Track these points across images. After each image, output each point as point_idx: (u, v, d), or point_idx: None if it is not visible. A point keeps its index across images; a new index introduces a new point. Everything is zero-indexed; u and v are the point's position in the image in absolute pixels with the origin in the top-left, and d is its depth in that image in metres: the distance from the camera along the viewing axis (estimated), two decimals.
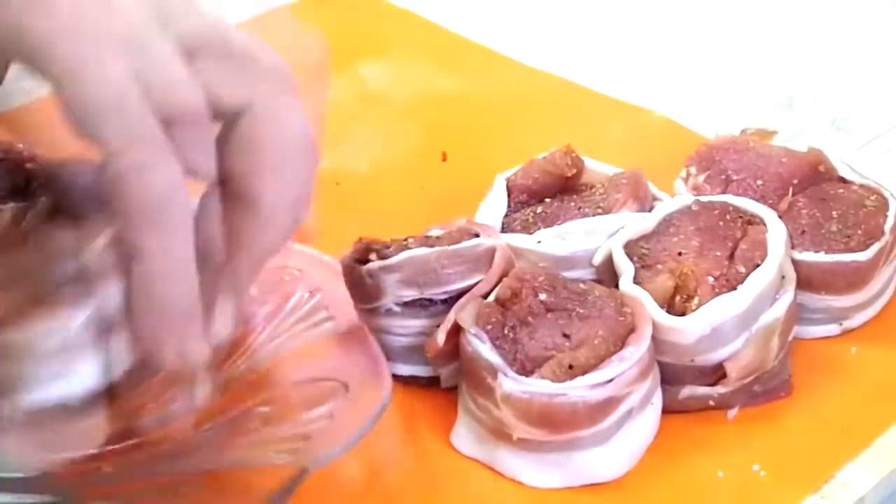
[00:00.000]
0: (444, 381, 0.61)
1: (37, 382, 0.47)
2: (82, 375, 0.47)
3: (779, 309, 0.60)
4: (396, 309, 0.61)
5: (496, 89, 0.87)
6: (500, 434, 0.57)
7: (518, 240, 0.63)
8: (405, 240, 0.62)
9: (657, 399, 0.59)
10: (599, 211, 0.64)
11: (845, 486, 0.57)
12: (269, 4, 0.96)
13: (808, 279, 0.62)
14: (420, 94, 0.87)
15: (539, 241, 0.63)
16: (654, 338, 0.57)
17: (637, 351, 0.56)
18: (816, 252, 0.63)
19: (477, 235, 0.62)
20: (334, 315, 0.60)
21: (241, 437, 0.53)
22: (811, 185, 0.67)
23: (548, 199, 0.67)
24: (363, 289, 0.61)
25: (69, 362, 0.47)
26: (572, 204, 0.66)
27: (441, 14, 0.95)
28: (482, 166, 0.71)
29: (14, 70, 0.51)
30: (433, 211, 0.71)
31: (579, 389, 0.55)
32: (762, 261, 0.60)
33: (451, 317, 0.58)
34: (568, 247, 0.63)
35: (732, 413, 0.61)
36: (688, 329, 0.58)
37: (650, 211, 0.64)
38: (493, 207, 0.66)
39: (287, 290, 0.61)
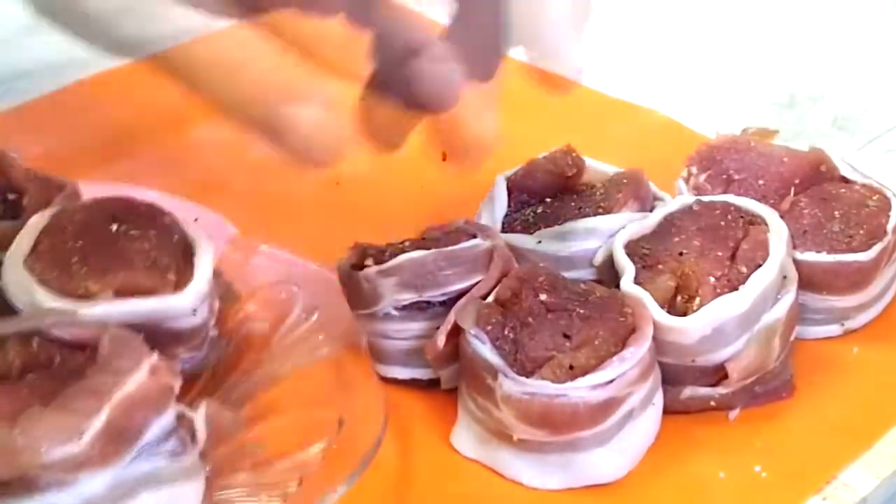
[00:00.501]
0: (444, 382, 0.61)
1: (37, 488, 0.46)
2: (85, 488, 0.46)
3: (780, 309, 0.59)
4: (395, 313, 0.60)
5: None
6: (500, 435, 0.57)
7: (518, 240, 0.63)
8: (402, 243, 0.61)
9: (658, 400, 0.59)
10: (600, 211, 0.64)
11: (847, 486, 0.57)
12: None
13: (809, 279, 0.62)
14: None
15: (539, 241, 0.63)
16: (655, 338, 0.57)
17: (638, 351, 0.56)
18: (818, 252, 0.63)
19: (474, 236, 0.61)
20: (331, 337, 0.60)
21: (231, 479, 0.52)
22: (813, 185, 0.67)
23: (548, 199, 0.67)
24: (360, 294, 0.60)
25: (73, 474, 0.46)
26: (573, 204, 0.66)
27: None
28: (482, 166, 0.71)
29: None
30: (433, 211, 0.71)
31: (580, 390, 0.55)
32: (764, 261, 0.60)
33: (450, 318, 0.58)
34: (568, 247, 0.63)
35: (734, 414, 0.60)
36: (689, 329, 0.58)
37: (651, 211, 0.64)
38: (493, 207, 0.66)
39: (283, 310, 0.60)
